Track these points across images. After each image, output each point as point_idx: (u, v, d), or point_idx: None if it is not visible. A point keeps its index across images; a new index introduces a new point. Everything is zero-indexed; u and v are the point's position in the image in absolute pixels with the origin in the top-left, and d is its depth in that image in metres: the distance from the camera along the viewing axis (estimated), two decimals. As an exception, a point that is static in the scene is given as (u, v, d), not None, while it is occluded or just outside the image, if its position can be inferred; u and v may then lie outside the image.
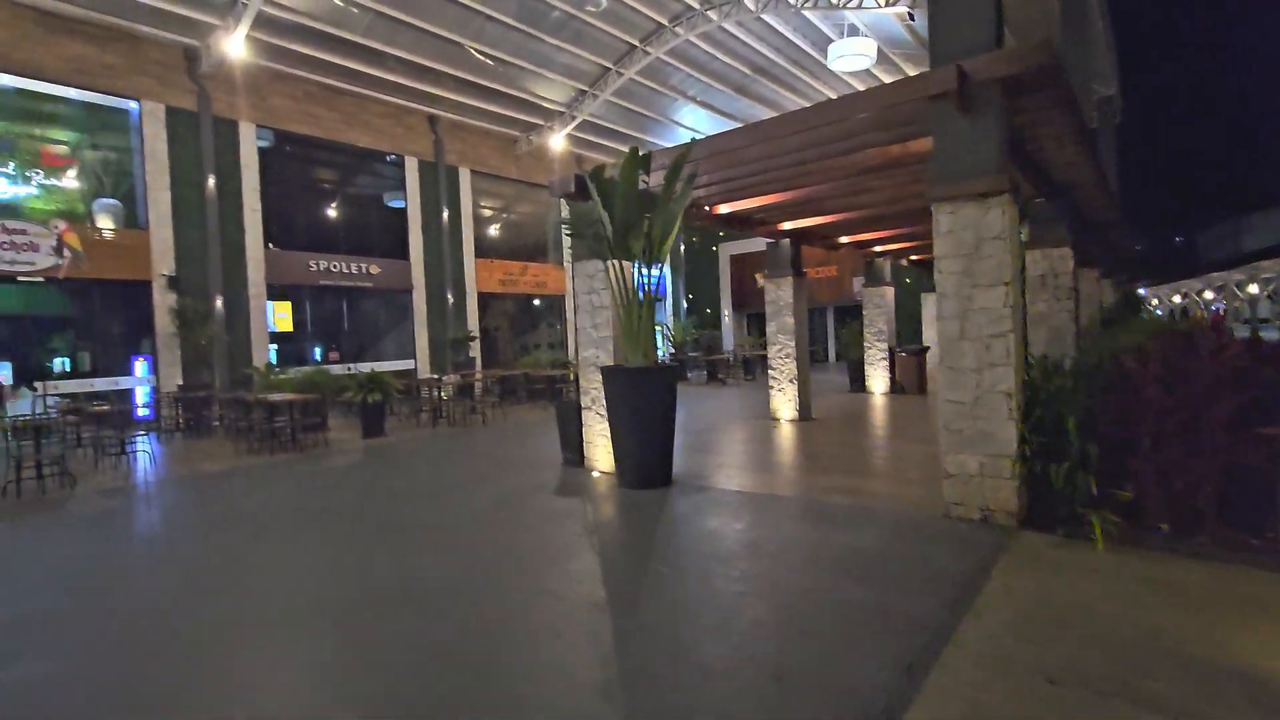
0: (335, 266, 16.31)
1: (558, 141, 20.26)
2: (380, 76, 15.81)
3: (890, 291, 13.69)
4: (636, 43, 16.90)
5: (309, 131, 15.86)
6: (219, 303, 13.95)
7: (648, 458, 6.06)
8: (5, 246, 11.60)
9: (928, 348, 13.58)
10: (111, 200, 13.22)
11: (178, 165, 13.63)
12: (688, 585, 3.79)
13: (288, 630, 3.48)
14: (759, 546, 4.40)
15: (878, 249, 13.35)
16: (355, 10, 13.90)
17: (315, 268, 15.99)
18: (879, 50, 15.84)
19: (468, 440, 10.06)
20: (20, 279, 12.24)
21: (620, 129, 20.83)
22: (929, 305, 16.94)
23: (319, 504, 6.35)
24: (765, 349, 20.77)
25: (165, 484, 7.71)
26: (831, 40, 15.81)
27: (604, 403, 6.60)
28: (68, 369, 15.36)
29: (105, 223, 12.96)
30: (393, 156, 17.85)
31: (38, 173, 12.75)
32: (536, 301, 22.67)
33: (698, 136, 6.45)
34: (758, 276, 27.24)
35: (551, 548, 4.64)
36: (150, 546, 5.39)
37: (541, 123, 19.84)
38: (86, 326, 16.09)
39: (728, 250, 26.69)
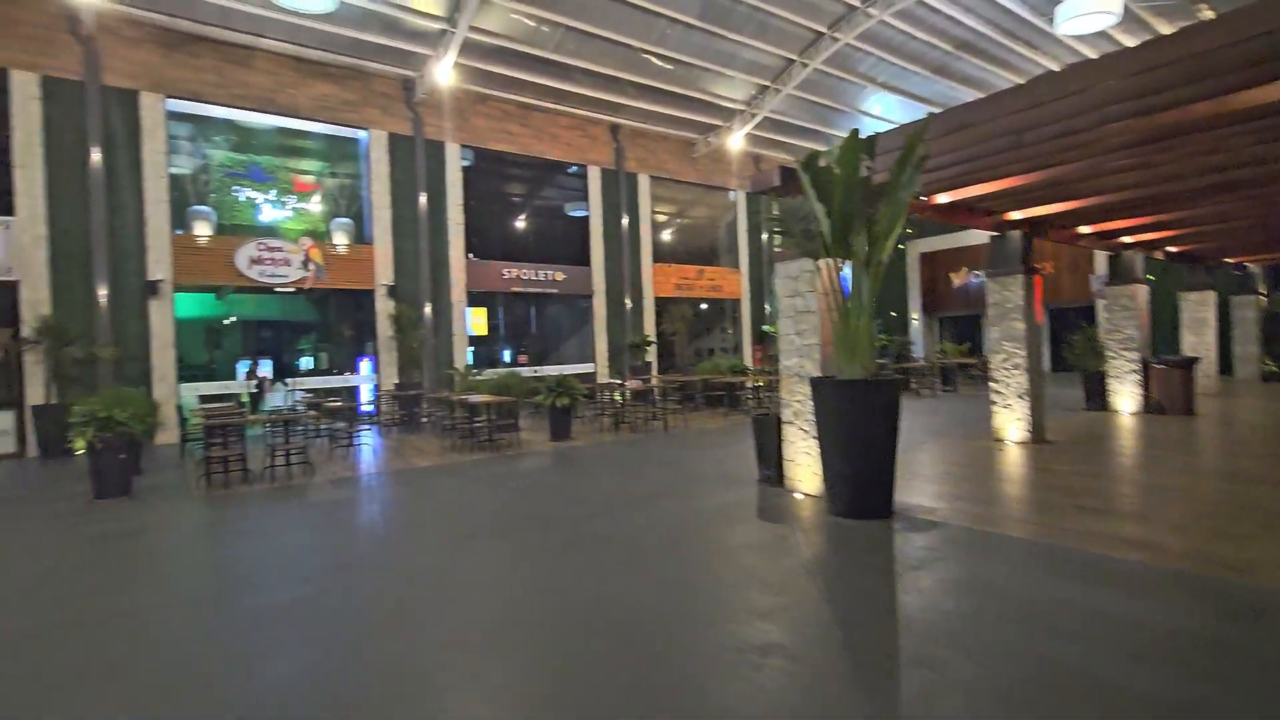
0: (525, 274, 17.20)
1: (736, 141, 19.75)
2: (568, 90, 16.40)
3: (1143, 291, 11.38)
4: (824, 29, 15.89)
5: (504, 148, 16.89)
6: (428, 309, 15.26)
7: (864, 483, 5.30)
8: (266, 262, 13.56)
9: (1197, 359, 11.07)
10: (345, 219, 14.99)
11: (396, 186, 15.13)
12: (952, 667, 3.05)
13: (489, 648, 3.30)
14: (1033, 614, 3.51)
15: (1125, 239, 11.16)
16: (546, 29, 14.50)
17: (507, 275, 16.97)
18: (1125, 6, 13.34)
19: (652, 448, 9.87)
20: (276, 290, 14.26)
21: (802, 123, 19.84)
22: (1190, 308, 13.95)
23: (515, 508, 6.40)
24: (966, 357, 18.72)
25: (383, 477, 8.35)
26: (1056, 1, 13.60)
27: (810, 417, 5.94)
28: (309, 368, 17.73)
29: (340, 239, 14.72)
30: (575, 167, 18.49)
31: (291, 198, 14.81)
32: (704, 306, 22.33)
33: (890, 126, 5.57)
34: (952, 276, 24.63)
35: (760, 585, 4.11)
36: (370, 542, 5.69)
37: (720, 123, 19.46)
38: (324, 330, 18.49)
39: (917, 248, 24.40)
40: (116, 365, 11.76)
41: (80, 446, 7.41)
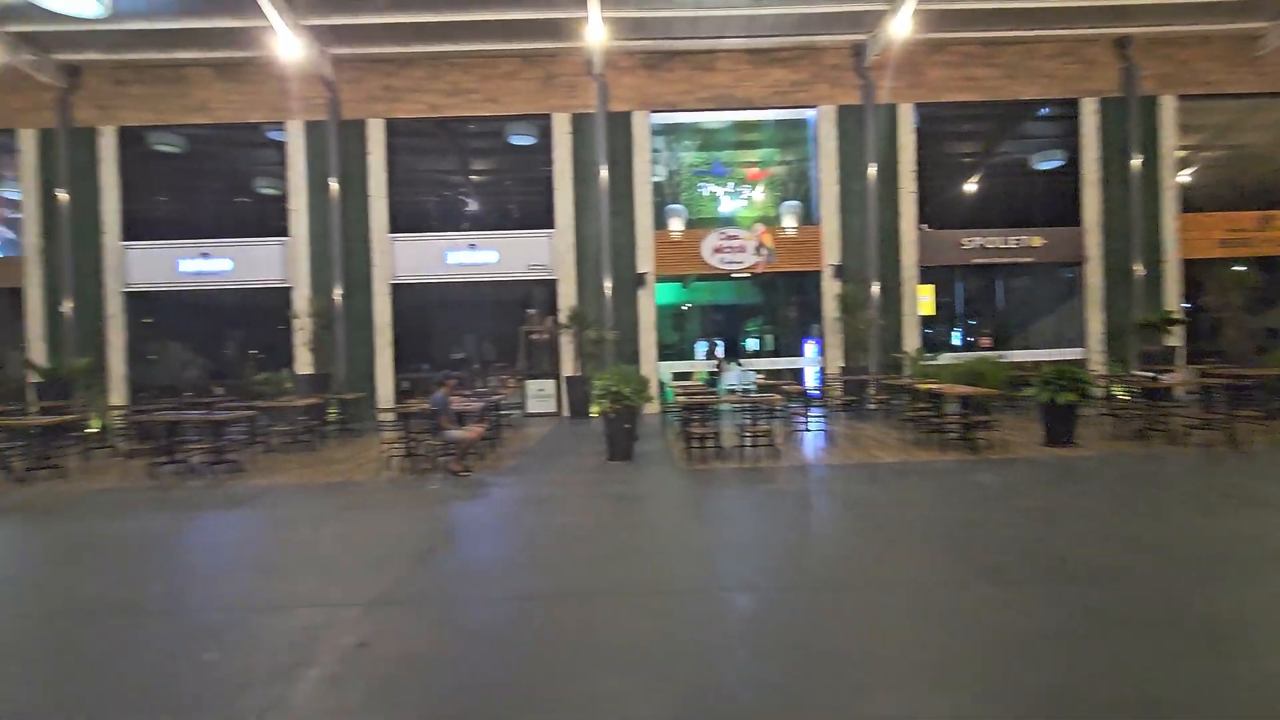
0: (989, 243, 14.64)
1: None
2: (1056, 5, 13.13)
3: None
4: None
5: (965, 97, 14.57)
6: (875, 288, 14.26)
7: None
8: (725, 250, 14.51)
9: None
10: (794, 202, 15.05)
11: (844, 160, 14.46)
12: None
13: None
14: None
15: None
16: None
17: (967, 246, 14.70)
18: None
19: (1218, 474, 6.93)
20: (731, 275, 15.18)
21: None
22: None
23: (1034, 541, 4.92)
24: None
25: (849, 470, 7.75)
26: None
27: None
28: (756, 349, 18.60)
29: (789, 222, 14.84)
30: (1046, 109, 14.90)
31: (745, 187, 15.57)
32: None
33: None
34: None
35: None
36: (850, 551, 5.03)
37: (1316, -7, 13.09)
38: (770, 313, 19.17)
39: None
40: (616, 345, 14.15)
41: (596, 412, 8.82)
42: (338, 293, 14.21)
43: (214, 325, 16.25)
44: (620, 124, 14.45)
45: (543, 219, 14.70)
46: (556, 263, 14.52)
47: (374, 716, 2.69)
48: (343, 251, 14.25)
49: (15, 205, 14.67)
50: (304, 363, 14.18)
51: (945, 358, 12.89)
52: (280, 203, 14.74)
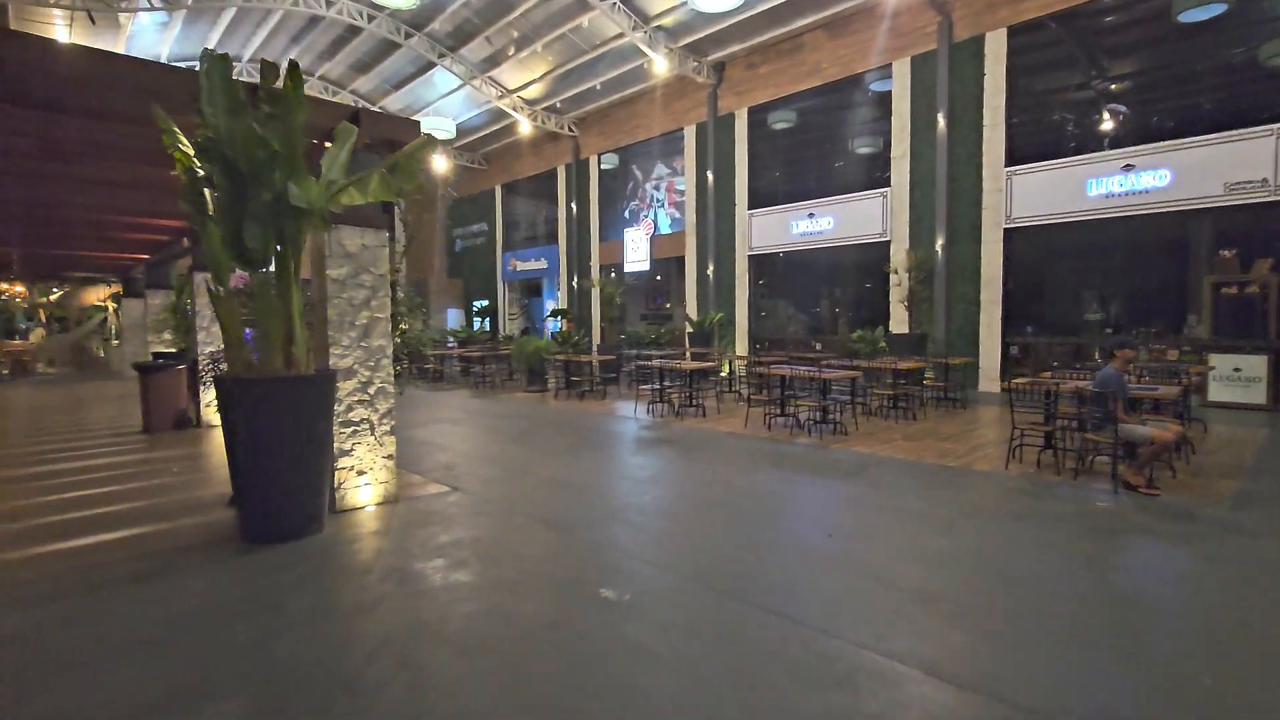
0: None
1: None
2: None
3: None
4: None
5: None
6: None
7: None
8: None
9: None
10: None
11: None
12: None
13: None
14: None
15: None
16: None
17: None
18: None
19: None
20: None
21: None
22: None
23: None
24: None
25: None
26: None
27: None
28: None
29: None
30: None
31: None
32: None
33: None
34: None
35: None
36: None
37: None
38: None
39: None
40: None
41: None
42: (939, 243, 12.68)
43: (813, 283, 17.12)
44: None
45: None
46: (1286, 175, 9.30)
47: None
48: (948, 195, 12.56)
49: (681, 192, 18.47)
50: (898, 320, 13.32)
51: None
52: (881, 155, 14.06)
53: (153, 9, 14.01)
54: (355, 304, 5.08)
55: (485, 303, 25.72)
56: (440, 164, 24.47)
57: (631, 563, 3.99)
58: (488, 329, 24.50)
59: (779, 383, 9.11)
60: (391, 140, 5.21)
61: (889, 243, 13.63)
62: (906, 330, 12.95)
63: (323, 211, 4.19)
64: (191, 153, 4.12)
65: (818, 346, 15.11)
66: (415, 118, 21.76)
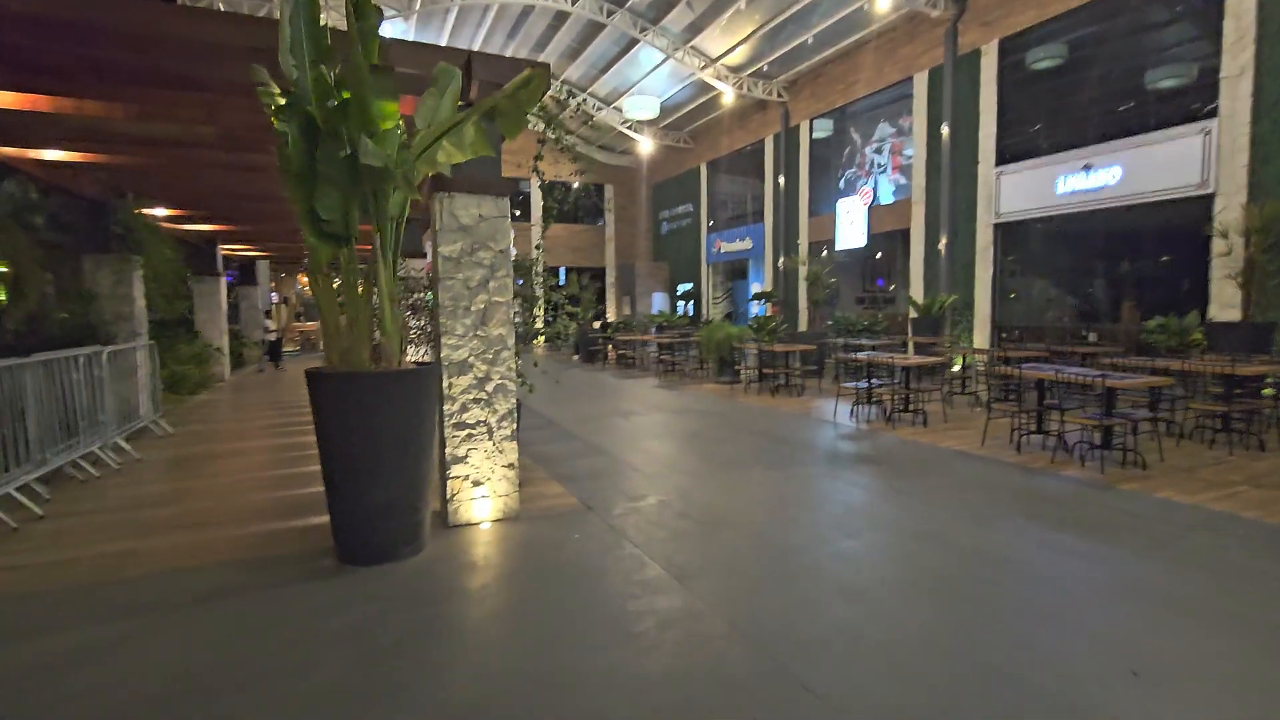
0: None
1: None
2: None
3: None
4: None
5: None
6: None
7: None
8: None
9: None
10: None
11: None
12: None
13: None
14: None
15: None
16: None
17: None
18: None
19: None
20: None
21: None
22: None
23: None
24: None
25: None
26: None
27: None
28: None
29: None
30: None
31: None
32: None
33: None
34: None
35: None
36: None
37: None
38: None
39: None
40: None
41: None
42: (1302, 193, 8.80)
43: (1085, 255, 13.39)
44: None
45: None
46: None
47: None
48: (1321, 122, 8.63)
49: (909, 156, 15.70)
50: (1223, 304, 9.64)
51: None
52: (1195, 84, 10.24)
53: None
54: (471, 286, 4.32)
55: (689, 286, 25.04)
56: (646, 145, 24.17)
57: (777, 686, 2.60)
58: (690, 314, 23.78)
59: (1035, 386, 6.78)
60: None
61: (1211, 196, 9.89)
62: (1239, 318, 9.26)
63: (405, 172, 3.40)
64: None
65: (1090, 338, 11.71)
66: (621, 100, 21.67)
